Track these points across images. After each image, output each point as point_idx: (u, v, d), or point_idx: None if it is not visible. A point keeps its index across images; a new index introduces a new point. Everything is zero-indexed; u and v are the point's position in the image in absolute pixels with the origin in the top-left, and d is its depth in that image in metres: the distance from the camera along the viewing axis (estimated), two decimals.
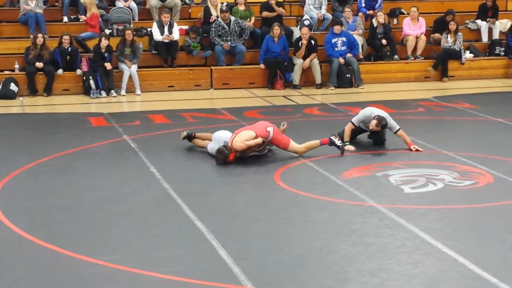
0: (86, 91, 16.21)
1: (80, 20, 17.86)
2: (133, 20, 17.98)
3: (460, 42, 18.11)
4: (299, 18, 18.72)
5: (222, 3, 17.82)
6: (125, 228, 8.06)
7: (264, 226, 8.08)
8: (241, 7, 18.00)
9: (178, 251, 7.34)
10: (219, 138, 10.71)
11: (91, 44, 16.97)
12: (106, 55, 16.19)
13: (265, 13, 18.01)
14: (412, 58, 18.27)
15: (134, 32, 17.09)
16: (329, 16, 18.59)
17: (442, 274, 6.73)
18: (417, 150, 11.12)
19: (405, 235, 7.71)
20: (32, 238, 7.70)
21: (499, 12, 19.56)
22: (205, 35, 17.67)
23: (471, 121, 13.57)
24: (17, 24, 17.62)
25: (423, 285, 6.51)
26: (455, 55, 18.09)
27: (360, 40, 17.80)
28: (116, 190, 9.45)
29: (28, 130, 13.23)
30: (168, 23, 17.14)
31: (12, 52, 17.00)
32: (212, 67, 17.30)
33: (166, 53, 17.19)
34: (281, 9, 18.04)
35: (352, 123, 11.38)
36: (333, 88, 16.97)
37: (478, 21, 19.39)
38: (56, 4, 18.62)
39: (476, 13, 19.57)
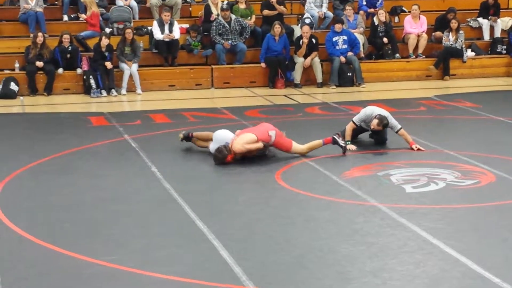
0: (87, 90, 16.19)
1: (80, 19, 17.84)
2: (133, 18, 17.96)
3: (461, 41, 18.09)
4: (300, 16, 18.70)
5: (223, 1, 17.81)
6: (125, 227, 8.05)
7: (265, 226, 8.06)
8: (242, 6, 17.98)
9: (178, 251, 7.33)
10: (221, 138, 10.67)
11: (91, 43, 16.94)
12: (106, 54, 16.17)
13: (266, 12, 17.99)
14: (414, 56, 18.25)
15: (135, 31, 17.07)
16: (330, 14, 18.57)
17: (444, 273, 6.72)
18: (418, 149, 11.10)
19: (407, 234, 7.69)
20: (32, 238, 7.70)
21: (501, 10, 19.54)
22: (205, 33, 17.65)
23: (473, 120, 13.55)
24: (17, 23, 17.61)
25: (425, 285, 6.50)
26: (457, 54, 18.07)
27: (361, 39, 17.78)
28: (117, 189, 9.44)
29: (28, 130, 13.21)
30: (169, 22, 17.12)
31: (12, 51, 16.98)
32: (213, 66, 17.28)
33: (166, 52, 17.17)
34: (282, 7, 18.02)
35: (353, 122, 11.36)
36: (334, 87, 16.95)
37: (480, 19, 19.36)
38: (56, 3, 18.61)
39: (478, 11, 19.54)
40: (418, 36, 18.23)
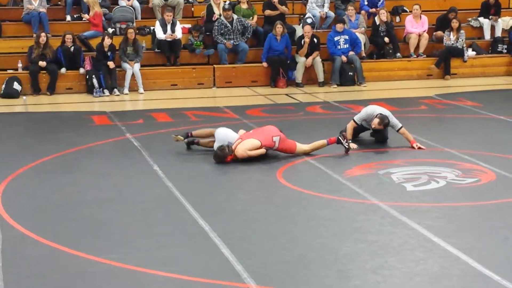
0: (89, 90, 16.23)
1: (83, 19, 17.87)
2: (136, 18, 18.00)
3: (462, 40, 18.11)
4: (302, 16, 18.72)
5: (225, 1, 17.84)
6: (128, 226, 8.08)
7: (267, 224, 8.10)
8: (244, 6, 18.01)
9: (181, 250, 7.36)
10: (224, 138, 10.68)
11: (94, 43, 16.98)
12: (109, 54, 16.21)
13: (268, 12, 18.01)
14: (415, 56, 18.26)
15: (137, 31, 17.11)
16: (332, 14, 18.60)
17: (444, 271, 6.75)
18: (419, 148, 11.12)
19: (408, 232, 7.72)
20: (35, 236, 7.73)
21: (502, 10, 19.54)
22: (208, 33, 17.68)
23: (474, 118, 13.58)
24: (20, 23, 17.65)
25: (425, 283, 6.53)
26: (458, 53, 18.09)
27: (362, 38, 17.80)
28: (120, 188, 9.47)
29: (31, 129, 13.26)
30: (171, 22, 17.15)
31: (15, 51, 17.01)
32: (215, 66, 17.31)
33: (169, 52, 17.20)
34: (283, 7, 18.05)
35: (354, 121, 11.38)
36: (335, 86, 16.97)
37: (481, 19, 19.37)
38: (59, 3, 18.64)
39: (479, 10, 19.56)
40: (419, 35, 18.25)
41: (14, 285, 6.60)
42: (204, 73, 17.24)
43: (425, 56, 18.29)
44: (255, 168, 10.29)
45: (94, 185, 9.60)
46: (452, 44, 18.04)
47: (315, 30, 17.77)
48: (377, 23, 18.09)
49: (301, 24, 18.15)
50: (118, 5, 18.05)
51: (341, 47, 17.21)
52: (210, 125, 11.96)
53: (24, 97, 16.00)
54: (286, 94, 16.30)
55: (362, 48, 17.69)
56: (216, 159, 10.46)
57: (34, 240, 7.64)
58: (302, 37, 17.13)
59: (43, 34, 16.32)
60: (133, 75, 16.38)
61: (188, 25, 17.89)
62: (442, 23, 18.48)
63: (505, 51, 18.79)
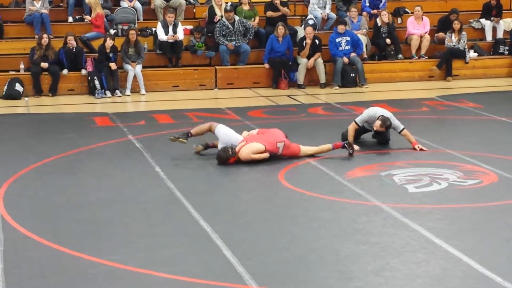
0: (91, 91, 16.24)
1: (85, 20, 17.89)
2: (137, 20, 18.01)
3: (464, 41, 18.11)
4: (304, 17, 18.73)
5: (227, 2, 17.84)
6: (129, 227, 8.09)
7: (268, 226, 8.10)
8: (246, 7, 18.02)
9: (182, 251, 7.36)
10: (227, 138, 10.66)
11: (96, 44, 17.00)
12: (111, 55, 16.23)
13: (270, 13, 18.02)
14: (416, 57, 18.26)
15: (139, 32, 17.12)
16: (333, 15, 18.60)
17: (446, 273, 6.75)
18: (421, 149, 11.12)
19: (409, 234, 7.72)
20: (37, 237, 7.73)
21: (503, 11, 19.54)
22: (209, 35, 17.69)
23: (475, 120, 13.57)
24: (23, 24, 17.66)
25: (427, 284, 6.52)
26: (459, 54, 18.08)
27: (364, 40, 17.81)
28: (121, 189, 9.48)
29: (33, 130, 13.27)
30: (173, 23, 17.17)
31: (17, 53, 17.04)
32: (217, 67, 17.32)
33: (170, 53, 17.22)
34: (285, 8, 18.05)
35: (356, 122, 11.37)
36: (337, 87, 16.97)
37: (482, 20, 19.37)
38: (61, 4, 18.66)
39: (480, 12, 19.56)
40: (421, 37, 18.24)
41: (16, 286, 6.61)
42: (206, 74, 17.25)
43: (426, 57, 18.28)
44: (256, 169, 10.29)
45: (95, 186, 9.60)
46: (454, 45, 18.04)
47: (316, 32, 17.77)
48: (379, 24, 18.10)
49: (302, 26, 18.16)
50: (120, 6, 18.06)
51: (343, 49, 17.21)
52: None
53: (26, 99, 16.01)
54: (288, 96, 16.30)
55: (364, 49, 17.69)
56: (219, 161, 10.46)
57: (36, 241, 7.64)
58: (303, 38, 17.14)
59: (45, 35, 16.34)
60: (135, 76, 16.39)
61: (190, 27, 17.91)
62: (444, 24, 18.49)
63: (506, 52, 18.79)
